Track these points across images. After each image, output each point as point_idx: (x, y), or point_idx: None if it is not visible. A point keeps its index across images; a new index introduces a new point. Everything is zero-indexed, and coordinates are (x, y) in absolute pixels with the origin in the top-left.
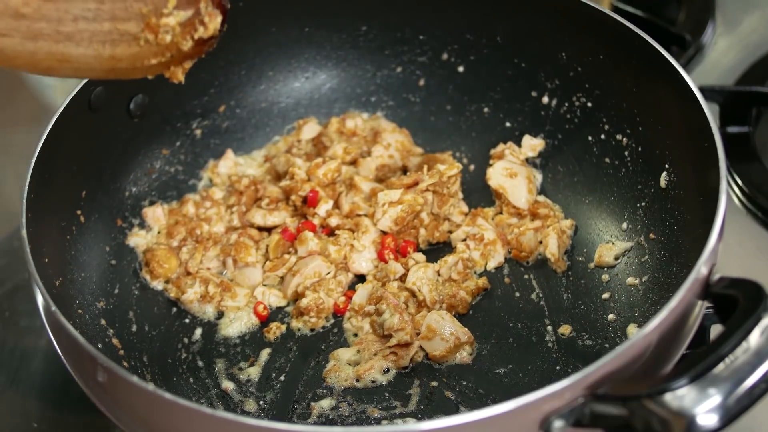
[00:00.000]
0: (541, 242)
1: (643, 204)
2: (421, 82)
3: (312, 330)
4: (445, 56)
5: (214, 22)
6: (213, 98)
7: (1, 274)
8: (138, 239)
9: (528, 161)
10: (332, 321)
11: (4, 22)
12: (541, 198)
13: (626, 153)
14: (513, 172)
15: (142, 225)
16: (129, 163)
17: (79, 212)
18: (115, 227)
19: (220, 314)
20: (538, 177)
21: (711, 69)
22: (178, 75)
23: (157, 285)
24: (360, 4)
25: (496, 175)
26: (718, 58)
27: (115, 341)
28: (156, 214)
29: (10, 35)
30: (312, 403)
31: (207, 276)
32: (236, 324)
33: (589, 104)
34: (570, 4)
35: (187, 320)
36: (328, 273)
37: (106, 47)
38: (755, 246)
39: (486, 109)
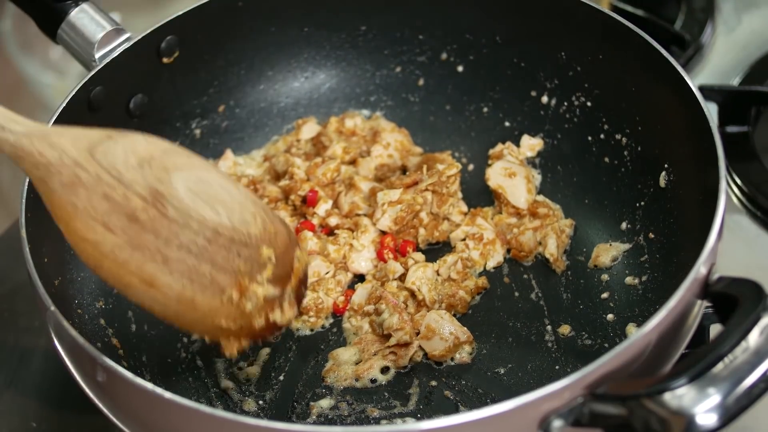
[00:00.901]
0: (540, 242)
1: (643, 203)
2: (421, 82)
3: (311, 330)
4: (444, 56)
5: (290, 312)
6: (212, 98)
7: (0, 274)
8: None
9: (527, 161)
10: (332, 321)
11: (117, 218)
12: (541, 198)
13: (625, 152)
14: (512, 171)
15: None
16: None
17: None
18: None
19: None
20: (537, 177)
21: (710, 68)
22: (233, 349)
23: None
24: (359, 4)
25: (495, 175)
26: (718, 58)
27: (114, 341)
28: None
29: (116, 233)
30: (311, 403)
31: None
32: None
33: (589, 104)
34: (569, 3)
35: None
36: (327, 273)
37: (194, 288)
38: (754, 245)
39: (485, 109)
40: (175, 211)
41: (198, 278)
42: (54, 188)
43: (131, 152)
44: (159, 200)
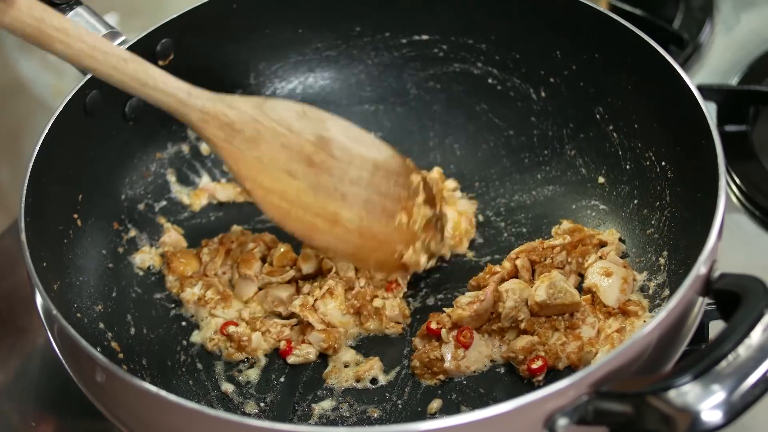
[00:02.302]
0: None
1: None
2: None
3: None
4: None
5: (441, 238)
6: None
7: None
8: (144, 256)
9: None
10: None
11: (297, 165)
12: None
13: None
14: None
15: (140, 230)
16: (124, 167)
17: (75, 216)
18: (111, 231)
19: None
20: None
21: (709, 68)
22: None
23: (169, 277)
24: (354, 6)
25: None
26: (716, 57)
27: (114, 345)
28: (172, 238)
29: (298, 178)
30: (313, 405)
31: (211, 281)
32: None
33: (586, 103)
34: (568, 3)
35: (184, 323)
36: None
37: (370, 218)
38: (752, 244)
39: (477, 108)
40: (340, 152)
41: (372, 208)
42: (239, 147)
43: (290, 108)
44: (326, 144)
